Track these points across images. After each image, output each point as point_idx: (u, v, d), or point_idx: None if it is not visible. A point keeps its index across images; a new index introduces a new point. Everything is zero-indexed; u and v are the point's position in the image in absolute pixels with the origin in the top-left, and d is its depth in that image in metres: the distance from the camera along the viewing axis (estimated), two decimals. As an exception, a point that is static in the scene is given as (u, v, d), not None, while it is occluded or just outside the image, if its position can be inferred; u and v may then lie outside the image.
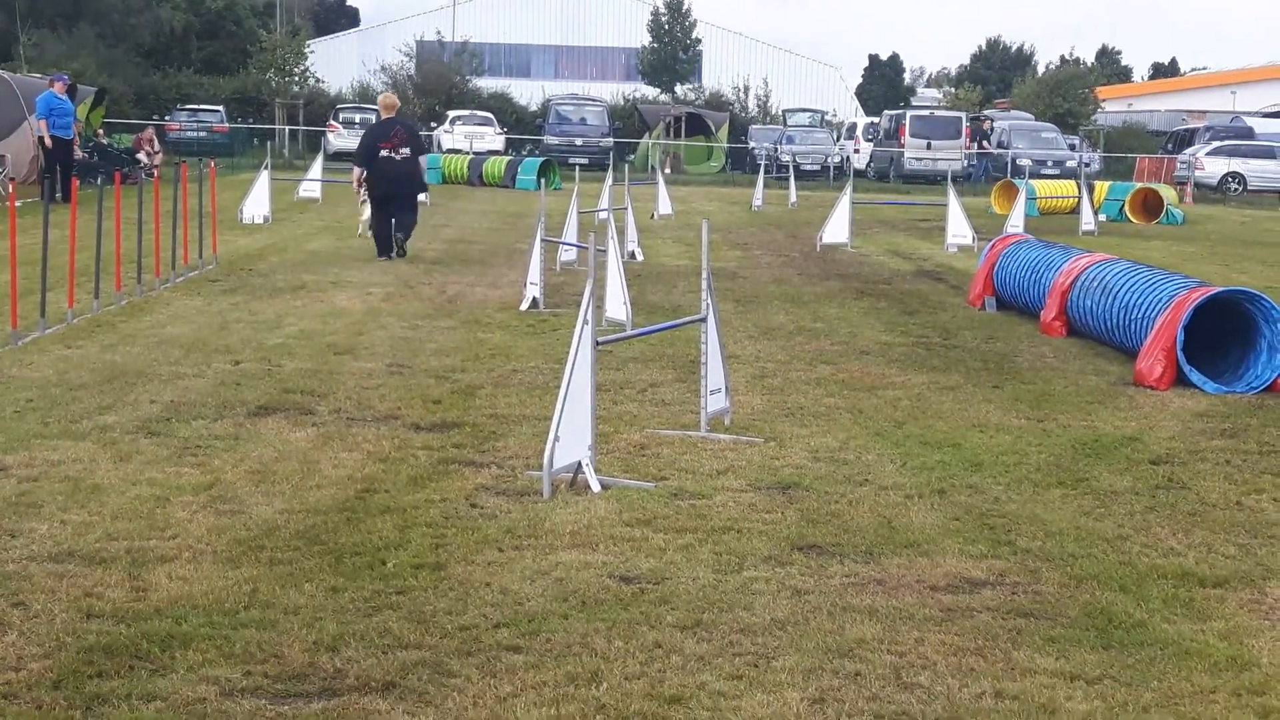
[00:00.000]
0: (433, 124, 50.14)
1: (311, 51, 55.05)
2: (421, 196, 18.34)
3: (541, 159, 37.79)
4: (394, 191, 16.93)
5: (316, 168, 29.14)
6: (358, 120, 47.09)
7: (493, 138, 46.07)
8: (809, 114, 56.34)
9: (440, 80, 54.01)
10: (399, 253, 16.96)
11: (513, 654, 4.69)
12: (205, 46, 58.19)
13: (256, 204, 22.05)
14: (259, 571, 5.42)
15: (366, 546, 5.76)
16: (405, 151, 16.86)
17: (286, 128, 49.03)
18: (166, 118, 46.80)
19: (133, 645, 4.64)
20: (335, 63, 61.21)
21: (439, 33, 61.24)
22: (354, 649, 4.67)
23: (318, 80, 55.25)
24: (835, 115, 62.59)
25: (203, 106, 48.48)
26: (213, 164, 18.77)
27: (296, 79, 52.74)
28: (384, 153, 16.81)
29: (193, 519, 6.09)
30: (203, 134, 45.02)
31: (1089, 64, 78.87)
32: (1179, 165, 43.80)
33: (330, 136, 45.08)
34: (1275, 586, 5.54)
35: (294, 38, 54.90)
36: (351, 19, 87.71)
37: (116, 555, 5.55)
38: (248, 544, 5.74)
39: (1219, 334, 10.15)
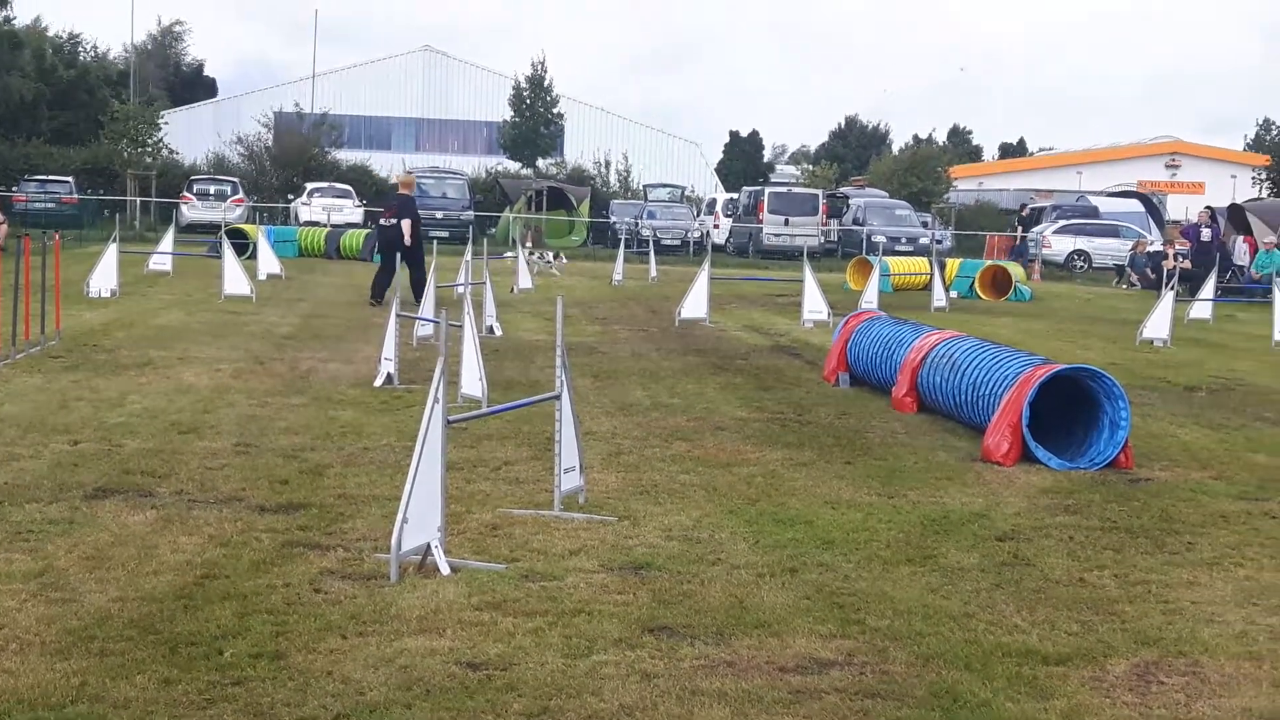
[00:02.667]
0: (290, 196, 49.63)
1: (165, 122, 54.15)
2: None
3: (401, 232, 37.50)
4: (385, 250, 22.28)
5: (168, 240, 28.64)
6: (212, 191, 46.46)
7: (351, 210, 45.64)
8: (669, 189, 56.87)
9: (298, 152, 53.42)
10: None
11: (353, 746, 4.55)
12: (56, 116, 56.94)
13: (104, 277, 21.53)
14: (89, 663, 5.20)
15: (203, 635, 5.57)
16: (393, 220, 21.75)
17: (138, 199, 48.04)
18: (14, 189, 45.56)
19: (-53, 746, 4.41)
20: (191, 133, 60.36)
21: (298, 104, 60.69)
22: (185, 745, 4.49)
23: (171, 151, 54.32)
24: (695, 190, 63.37)
25: (52, 177, 47.26)
26: (58, 235, 18.28)
27: (150, 150, 51.82)
28: (381, 221, 22.73)
29: (21, 608, 5.83)
30: (50, 205, 43.85)
31: (941, 143, 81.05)
32: (1027, 243, 45.06)
33: (184, 208, 44.31)
34: (1116, 663, 5.62)
35: (148, 108, 54.01)
36: (209, 90, 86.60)
37: (-64, 649, 5.29)
38: (78, 634, 5.52)
39: (1064, 410, 10.38)
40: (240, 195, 46.79)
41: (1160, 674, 5.51)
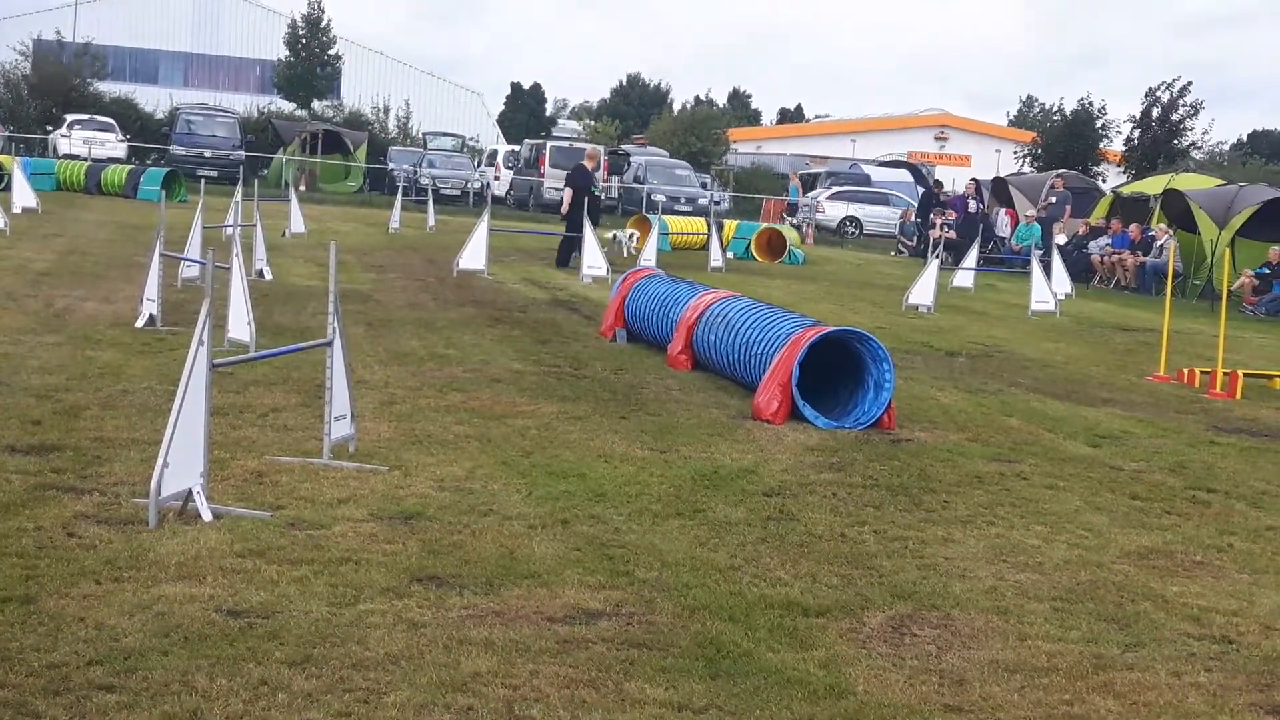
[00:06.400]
0: (48, 128, 47.42)
1: (-86, 45, 51.19)
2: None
3: (167, 169, 36.34)
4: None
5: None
6: (-32, 120, 44.13)
7: (114, 145, 43.82)
8: (451, 138, 56.29)
9: (58, 82, 51.04)
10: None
11: (105, 693, 4.39)
12: None
13: None
14: None
15: (-55, 581, 5.30)
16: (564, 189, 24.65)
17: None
18: None
19: None
20: (-57, 59, 57.13)
21: (59, 32, 57.89)
22: (-78, 695, 4.27)
23: (-79, 77, 51.39)
24: (477, 141, 62.82)
25: None
26: None
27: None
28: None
29: None
30: None
31: (721, 106, 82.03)
32: (802, 208, 46.00)
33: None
34: (872, 616, 5.80)
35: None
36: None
37: None
38: None
39: (832, 371, 10.64)
40: (-5, 124, 44.58)
41: (914, 626, 5.70)
